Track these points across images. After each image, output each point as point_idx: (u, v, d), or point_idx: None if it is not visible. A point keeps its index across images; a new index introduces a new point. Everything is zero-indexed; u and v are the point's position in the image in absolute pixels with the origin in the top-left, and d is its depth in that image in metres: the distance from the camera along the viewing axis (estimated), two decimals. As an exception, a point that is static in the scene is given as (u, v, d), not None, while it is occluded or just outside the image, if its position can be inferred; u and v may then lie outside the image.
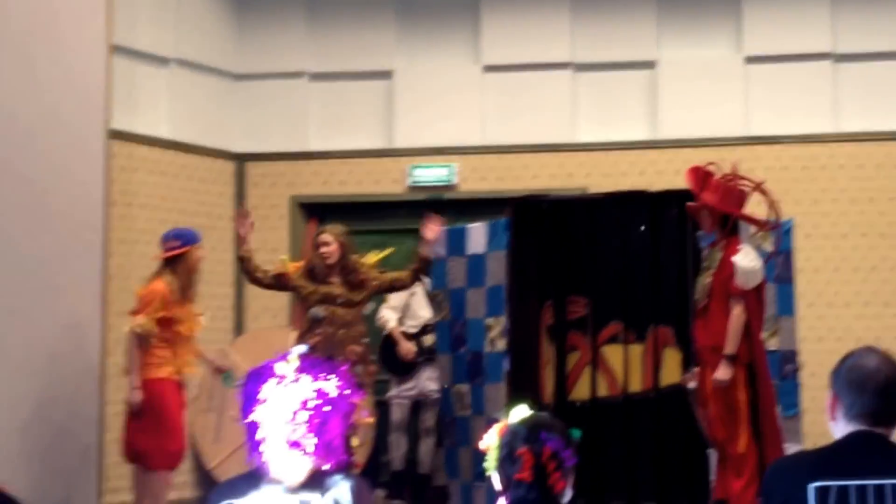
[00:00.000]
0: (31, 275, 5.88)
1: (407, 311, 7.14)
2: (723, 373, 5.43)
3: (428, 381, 7.13)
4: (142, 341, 5.75)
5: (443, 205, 8.08)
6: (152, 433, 5.78)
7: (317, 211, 8.20)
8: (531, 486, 2.41)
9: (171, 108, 7.71)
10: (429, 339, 7.12)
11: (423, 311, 7.17)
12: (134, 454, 5.86)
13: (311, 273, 6.15)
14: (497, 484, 2.50)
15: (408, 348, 7.06)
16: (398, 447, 7.14)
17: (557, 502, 2.45)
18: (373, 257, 6.47)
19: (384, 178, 8.12)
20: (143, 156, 7.44)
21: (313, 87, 8.20)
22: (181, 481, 7.32)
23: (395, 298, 7.01)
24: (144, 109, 7.49)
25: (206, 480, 7.38)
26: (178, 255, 5.90)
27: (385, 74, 8.15)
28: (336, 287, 6.08)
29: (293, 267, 6.24)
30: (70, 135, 6.14)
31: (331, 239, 6.11)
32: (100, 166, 6.29)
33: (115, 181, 6.76)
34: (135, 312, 5.83)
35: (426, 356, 7.12)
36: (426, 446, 7.20)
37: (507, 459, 2.45)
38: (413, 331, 7.13)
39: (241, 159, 8.10)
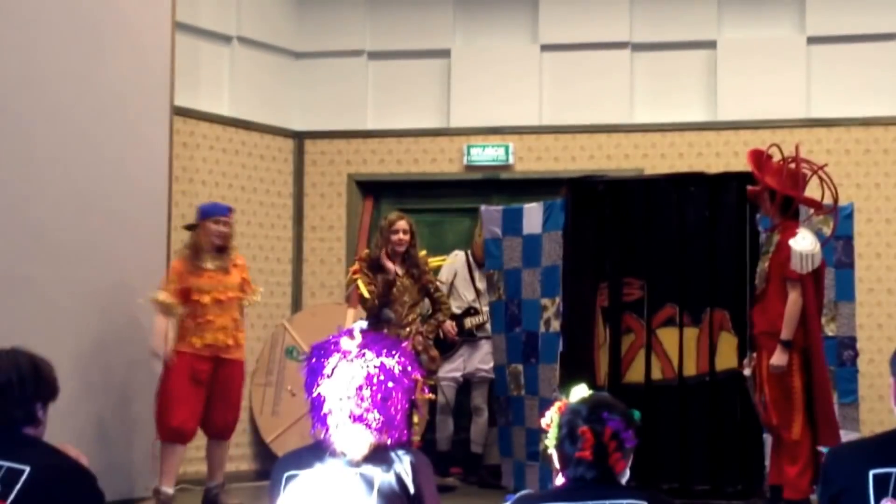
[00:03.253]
0: (97, 247, 6.01)
1: (452, 292, 7.18)
2: (778, 358, 5.40)
3: (473, 360, 7.18)
4: (165, 313, 5.83)
5: (499, 184, 8.11)
6: (158, 404, 5.88)
7: (373, 189, 8.25)
8: (591, 464, 2.42)
9: (232, 85, 7.81)
10: (470, 322, 7.16)
11: (467, 293, 7.22)
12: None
13: (374, 264, 6.29)
14: (556, 462, 2.53)
15: (450, 327, 7.10)
16: (444, 429, 7.18)
17: (616, 482, 2.47)
18: (435, 261, 6.66)
19: (440, 157, 8.15)
20: (205, 132, 7.54)
21: (372, 66, 8.25)
22: (239, 454, 7.46)
23: (442, 278, 7.10)
24: (206, 87, 7.59)
25: (264, 454, 7.50)
26: (194, 228, 6.03)
27: (443, 53, 8.17)
28: (400, 280, 6.23)
29: (357, 274, 6.39)
30: (137, 111, 6.27)
31: (407, 227, 6.33)
32: (165, 142, 6.41)
33: (177, 157, 6.87)
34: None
35: (467, 336, 7.17)
36: (477, 426, 7.24)
37: (568, 438, 2.46)
38: (457, 311, 7.17)
39: (300, 137, 8.17)
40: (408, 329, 6.15)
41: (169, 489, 5.85)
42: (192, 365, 5.83)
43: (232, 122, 7.73)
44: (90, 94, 6.04)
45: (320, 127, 8.18)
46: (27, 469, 2.55)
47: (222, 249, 5.98)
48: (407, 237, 6.31)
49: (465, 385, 7.26)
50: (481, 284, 7.24)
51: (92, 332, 5.95)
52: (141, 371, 6.19)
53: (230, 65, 7.81)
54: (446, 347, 7.12)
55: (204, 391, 5.88)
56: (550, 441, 2.52)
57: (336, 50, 8.22)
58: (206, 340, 5.84)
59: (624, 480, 2.48)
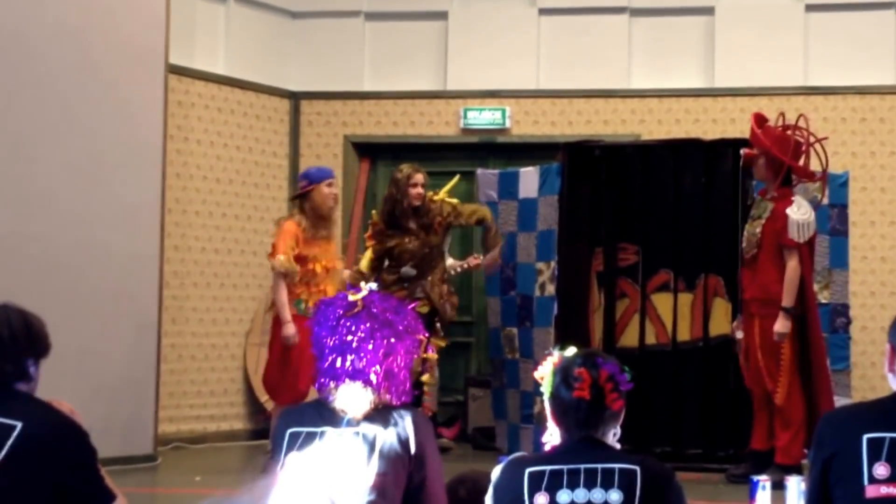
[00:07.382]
0: (92, 206, 6.00)
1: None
2: (781, 325, 5.43)
3: None
4: (286, 279, 5.84)
5: (495, 147, 8.09)
6: (282, 369, 5.89)
7: (370, 151, 8.23)
8: (589, 404, 2.41)
9: (227, 44, 7.75)
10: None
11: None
12: (269, 388, 6.12)
13: (391, 220, 6.31)
14: (549, 415, 2.50)
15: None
16: None
17: (608, 445, 2.43)
18: (442, 192, 6.55)
19: (437, 119, 8.12)
20: (200, 91, 7.50)
21: (369, 27, 8.19)
22: (233, 413, 7.50)
23: None
24: (202, 45, 7.53)
25: (258, 413, 7.53)
26: (306, 195, 5.98)
27: (440, 15, 8.11)
28: (415, 235, 6.29)
29: (370, 242, 6.43)
30: (131, 69, 6.22)
31: (423, 181, 6.36)
32: (159, 101, 6.37)
33: (171, 116, 6.84)
34: (272, 254, 5.94)
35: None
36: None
37: (563, 384, 2.43)
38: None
39: (297, 97, 8.13)
40: (429, 278, 6.29)
41: None
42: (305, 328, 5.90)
43: (227, 81, 7.67)
44: (84, 51, 6.00)
45: (316, 87, 8.13)
46: (19, 425, 2.54)
47: (330, 216, 6.00)
48: (422, 191, 6.37)
49: None
50: None
51: (88, 290, 5.94)
52: (135, 329, 6.19)
53: (226, 23, 7.74)
54: None
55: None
56: (546, 389, 2.48)
57: (333, 10, 8.16)
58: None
59: (617, 429, 2.47)
